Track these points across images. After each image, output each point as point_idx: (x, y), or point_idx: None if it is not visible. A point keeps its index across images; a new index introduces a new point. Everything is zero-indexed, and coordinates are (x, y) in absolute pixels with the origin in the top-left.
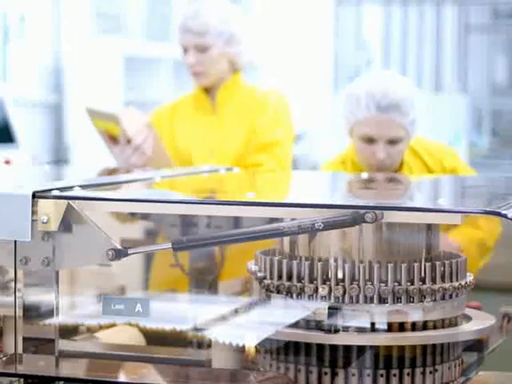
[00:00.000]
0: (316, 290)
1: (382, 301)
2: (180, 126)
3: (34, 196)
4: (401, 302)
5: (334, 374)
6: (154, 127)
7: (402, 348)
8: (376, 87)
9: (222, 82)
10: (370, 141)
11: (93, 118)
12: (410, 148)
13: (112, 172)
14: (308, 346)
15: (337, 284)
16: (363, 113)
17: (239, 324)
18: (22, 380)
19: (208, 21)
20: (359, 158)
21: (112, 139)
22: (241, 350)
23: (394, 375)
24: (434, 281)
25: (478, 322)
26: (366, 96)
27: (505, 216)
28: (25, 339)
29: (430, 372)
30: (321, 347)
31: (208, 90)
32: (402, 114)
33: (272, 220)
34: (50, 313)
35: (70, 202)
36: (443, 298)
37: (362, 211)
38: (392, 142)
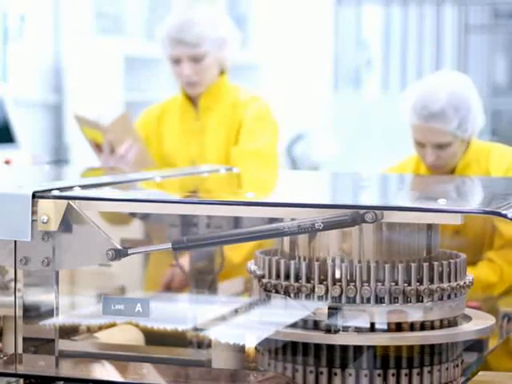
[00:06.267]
0: (313, 289)
1: (381, 301)
2: (165, 132)
3: (34, 196)
4: (400, 302)
5: (332, 374)
6: (140, 134)
7: (401, 348)
8: (418, 98)
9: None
10: (421, 145)
11: (81, 125)
12: (478, 149)
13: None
14: (308, 345)
15: (329, 284)
16: (411, 121)
17: (239, 324)
18: (21, 380)
19: (202, 31)
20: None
21: (97, 147)
22: (241, 350)
23: (393, 375)
24: (433, 281)
25: (477, 322)
26: (411, 107)
27: (505, 216)
28: (25, 339)
29: (430, 372)
30: (320, 347)
31: (193, 97)
32: (445, 122)
33: (272, 220)
34: (50, 313)
35: (70, 201)
36: (443, 298)
37: (362, 211)
38: (440, 146)
